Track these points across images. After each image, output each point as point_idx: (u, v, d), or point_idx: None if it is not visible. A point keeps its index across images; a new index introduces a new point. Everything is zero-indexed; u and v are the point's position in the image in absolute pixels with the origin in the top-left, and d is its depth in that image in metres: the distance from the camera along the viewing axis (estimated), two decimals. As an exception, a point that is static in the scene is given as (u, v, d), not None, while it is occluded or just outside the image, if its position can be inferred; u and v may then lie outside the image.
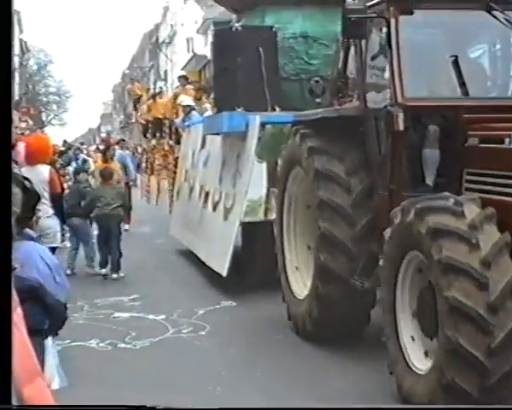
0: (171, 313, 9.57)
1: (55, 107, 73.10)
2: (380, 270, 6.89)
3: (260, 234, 10.92)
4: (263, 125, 10.55)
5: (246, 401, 6.56)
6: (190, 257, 13.22)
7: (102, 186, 13.23)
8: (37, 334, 4.39)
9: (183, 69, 58.67)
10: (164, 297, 10.68)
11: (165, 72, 69.11)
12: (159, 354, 8.13)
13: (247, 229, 10.80)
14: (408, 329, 6.65)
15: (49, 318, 4.71)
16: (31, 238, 4.68)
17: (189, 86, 18.85)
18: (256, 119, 10.57)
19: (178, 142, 18.47)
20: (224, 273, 10.54)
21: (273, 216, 10.51)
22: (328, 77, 9.15)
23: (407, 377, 6.48)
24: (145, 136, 23.85)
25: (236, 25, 11.08)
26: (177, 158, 18.82)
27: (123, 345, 8.42)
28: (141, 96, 23.70)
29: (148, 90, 24.28)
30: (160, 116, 19.87)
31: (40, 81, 70.97)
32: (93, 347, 8.37)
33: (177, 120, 17.12)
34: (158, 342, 8.51)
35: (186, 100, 16.23)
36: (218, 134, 12.04)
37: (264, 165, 10.57)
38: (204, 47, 58.84)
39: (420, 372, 6.37)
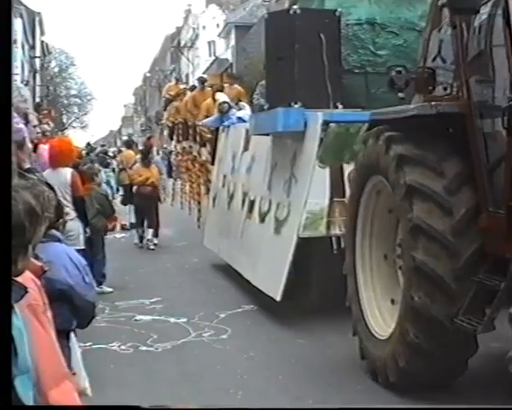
0: (192, 316, 9.34)
1: (76, 109, 72.28)
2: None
3: (317, 250, 9.21)
4: (326, 124, 8.82)
5: (267, 404, 6.40)
6: (211, 261, 12.80)
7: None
8: (64, 335, 4.37)
9: (204, 73, 57.71)
10: (185, 300, 10.40)
11: (187, 75, 68.17)
12: (180, 358, 7.90)
13: (302, 244, 9.03)
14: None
15: (76, 318, 4.63)
16: (58, 240, 4.59)
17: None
18: (318, 116, 8.84)
19: (203, 144, 17.58)
20: (278, 298, 8.82)
21: (336, 231, 8.85)
22: (413, 67, 7.44)
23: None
24: (171, 138, 22.68)
25: (294, 7, 9.30)
26: (203, 162, 17.68)
27: (144, 348, 8.19)
28: (174, 97, 22.11)
29: (185, 91, 22.61)
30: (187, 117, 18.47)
31: (61, 83, 70.23)
32: (114, 349, 8.17)
33: (207, 121, 15.31)
34: (179, 346, 8.27)
35: (223, 97, 14.37)
36: (266, 134, 10.31)
37: (327, 170, 8.85)
38: (225, 51, 57.86)
39: None
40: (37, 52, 58.72)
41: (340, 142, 8.80)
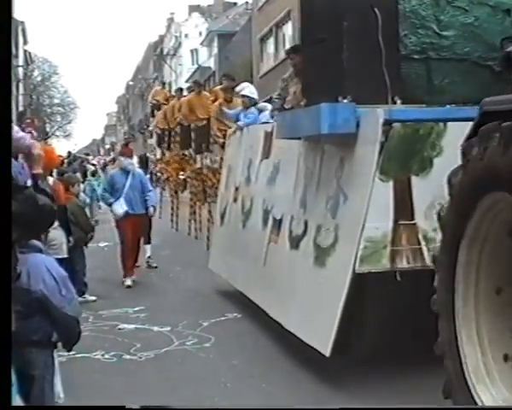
0: (176, 324, 9.08)
1: (59, 118, 70.68)
2: None
3: (374, 287, 6.84)
4: (388, 124, 6.45)
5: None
6: (195, 270, 12.38)
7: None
8: (46, 346, 4.42)
9: (187, 81, 56.07)
10: (169, 309, 10.13)
11: (170, 83, 66.57)
12: (164, 366, 7.66)
13: (354, 278, 6.65)
14: None
15: (56, 330, 4.41)
16: (39, 250, 4.52)
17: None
18: (378, 114, 6.44)
19: (200, 151, 15.94)
20: (328, 353, 6.40)
21: (403, 263, 6.48)
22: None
23: None
24: (159, 146, 20.81)
25: (342, -26, 6.95)
26: (199, 170, 15.96)
27: (128, 357, 7.96)
28: (162, 103, 19.86)
29: (172, 97, 20.33)
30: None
31: (44, 92, 68.74)
32: (98, 358, 7.95)
33: (230, 112, 12.70)
34: (163, 354, 8.04)
35: (248, 89, 11.69)
36: (297, 138, 7.93)
37: (390, 185, 6.48)
38: (208, 59, 56.36)
39: None
40: (20, 61, 56.99)
41: (407, 147, 6.43)
